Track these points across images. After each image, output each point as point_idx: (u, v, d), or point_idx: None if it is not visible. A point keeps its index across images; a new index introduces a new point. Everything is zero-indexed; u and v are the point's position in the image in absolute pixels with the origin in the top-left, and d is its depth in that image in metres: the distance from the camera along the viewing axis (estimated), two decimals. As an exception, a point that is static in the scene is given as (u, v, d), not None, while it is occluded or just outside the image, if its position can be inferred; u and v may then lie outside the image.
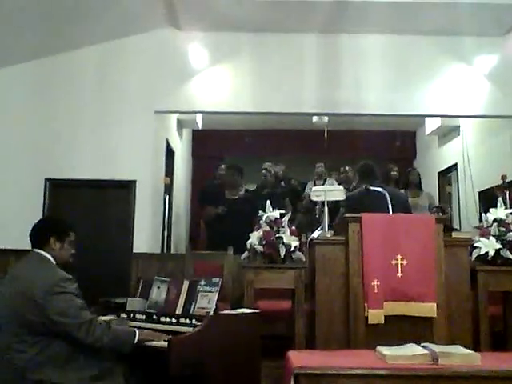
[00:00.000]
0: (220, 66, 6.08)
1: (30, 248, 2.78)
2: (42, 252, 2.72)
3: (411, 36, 6.02)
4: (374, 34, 6.02)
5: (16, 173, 5.73)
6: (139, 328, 2.88)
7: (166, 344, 2.62)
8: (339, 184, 6.59)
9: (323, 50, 5.99)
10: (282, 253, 3.74)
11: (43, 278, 2.59)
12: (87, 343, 2.56)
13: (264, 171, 6.98)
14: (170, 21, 5.90)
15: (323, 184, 6.87)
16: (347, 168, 7.13)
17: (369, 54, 6.00)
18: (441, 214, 5.82)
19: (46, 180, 5.77)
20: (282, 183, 7.41)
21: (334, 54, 6.00)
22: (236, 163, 6.85)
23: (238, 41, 6.01)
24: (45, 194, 5.75)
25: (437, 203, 6.99)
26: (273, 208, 3.92)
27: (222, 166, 7.24)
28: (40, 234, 2.77)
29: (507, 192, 5.26)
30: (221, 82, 6.06)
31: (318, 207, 6.57)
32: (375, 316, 3.18)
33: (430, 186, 8.26)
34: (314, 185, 6.91)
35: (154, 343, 2.74)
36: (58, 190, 5.79)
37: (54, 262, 2.72)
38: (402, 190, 6.09)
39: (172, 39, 6.02)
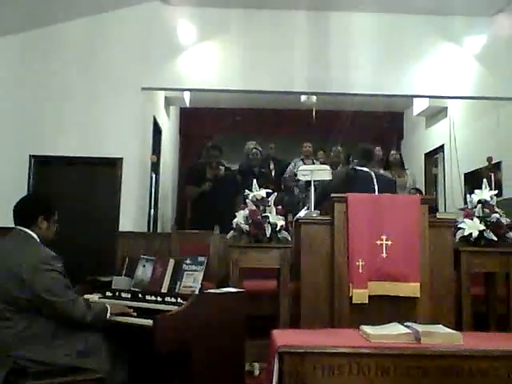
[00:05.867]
0: (208, 43, 6.00)
1: (12, 226, 2.75)
2: (27, 230, 2.69)
3: (401, 15, 5.98)
4: (363, 13, 5.98)
5: (0, 149, 5.64)
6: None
7: (151, 322, 2.63)
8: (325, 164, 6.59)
9: (313, 28, 5.94)
10: (268, 232, 3.74)
11: (30, 256, 2.58)
12: (72, 321, 2.57)
13: (254, 150, 6.93)
14: (158, -6, 5.82)
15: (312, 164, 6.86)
16: (339, 148, 7.11)
17: (358, 32, 5.95)
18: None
19: (31, 157, 5.71)
20: (271, 163, 7.41)
21: (323, 32, 5.95)
22: (217, 143, 6.82)
23: (227, 17, 5.94)
24: (29, 171, 5.69)
25: (417, 184, 7.07)
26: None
27: (210, 144, 7.21)
28: (28, 213, 2.74)
29: (492, 174, 5.29)
30: (209, 58, 5.99)
31: (298, 185, 6.57)
32: (359, 295, 3.21)
33: (416, 167, 8.30)
34: (304, 164, 6.89)
35: (136, 320, 2.78)
36: (43, 167, 5.73)
37: (39, 240, 2.71)
38: (383, 171, 6.13)
39: (160, 14, 5.93)
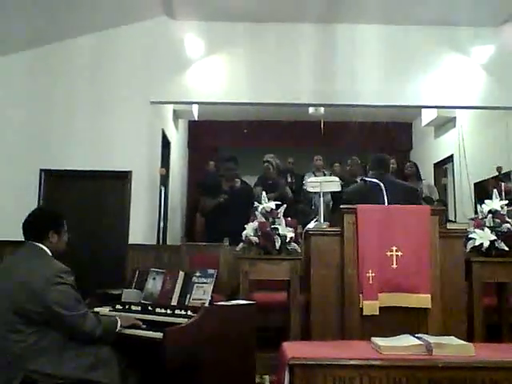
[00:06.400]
0: (216, 56, 6.05)
1: (23, 239, 2.77)
2: (39, 244, 2.71)
3: (408, 26, 6.00)
4: (370, 25, 6.00)
5: (11, 163, 5.71)
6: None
7: (161, 335, 2.63)
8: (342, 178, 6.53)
9: (319, 41, 5.97)
10: (278, 244, 3.74)
11: (42, 269, 2.60)
12: (81, 335, 2.58)
13: (266, 163, 6.90)
14: (165, 10, 5.88)
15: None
16: (354, 160, 7.06)
17: (365, 44, 5.98)
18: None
19: (41, 171, 5.76)
20: (288, 176, 7.38)
21: (330, 44, 5.98)
22: (232, 155, 6.81)
23: (234, 31, 5.98)
24: (40, 184, 5.74)
25: (437, 193, 6.99)
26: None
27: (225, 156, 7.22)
28: (39, 228, 2.75)
29: (502, 183, 5.26)
30: (217, 72, 6.03)
31: (314, 199, 6.53)
32: (370, 307, 3.19)
33: (426, 177, 8.28)
34: (315, 177, 6.86)
35: (146, 333, 2.78)
36: (54, 180, 5.78)
37: (50, 254, 2.72)
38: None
39: (167, 28, 5.99)
